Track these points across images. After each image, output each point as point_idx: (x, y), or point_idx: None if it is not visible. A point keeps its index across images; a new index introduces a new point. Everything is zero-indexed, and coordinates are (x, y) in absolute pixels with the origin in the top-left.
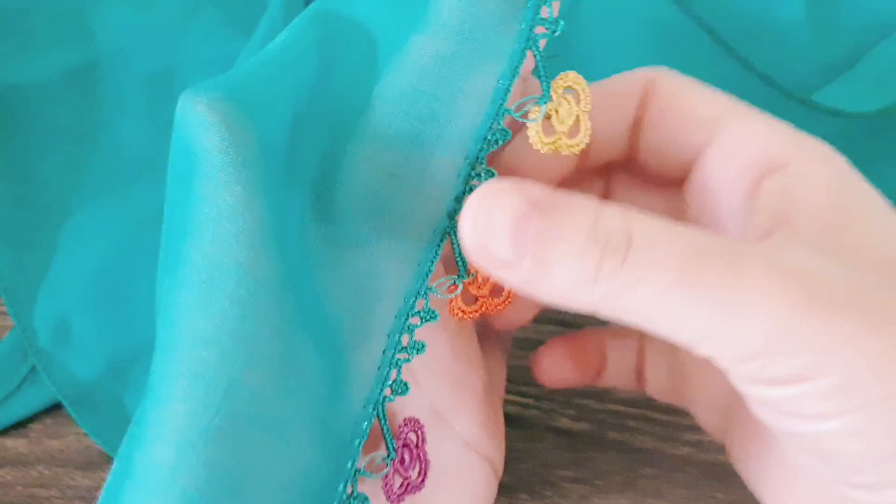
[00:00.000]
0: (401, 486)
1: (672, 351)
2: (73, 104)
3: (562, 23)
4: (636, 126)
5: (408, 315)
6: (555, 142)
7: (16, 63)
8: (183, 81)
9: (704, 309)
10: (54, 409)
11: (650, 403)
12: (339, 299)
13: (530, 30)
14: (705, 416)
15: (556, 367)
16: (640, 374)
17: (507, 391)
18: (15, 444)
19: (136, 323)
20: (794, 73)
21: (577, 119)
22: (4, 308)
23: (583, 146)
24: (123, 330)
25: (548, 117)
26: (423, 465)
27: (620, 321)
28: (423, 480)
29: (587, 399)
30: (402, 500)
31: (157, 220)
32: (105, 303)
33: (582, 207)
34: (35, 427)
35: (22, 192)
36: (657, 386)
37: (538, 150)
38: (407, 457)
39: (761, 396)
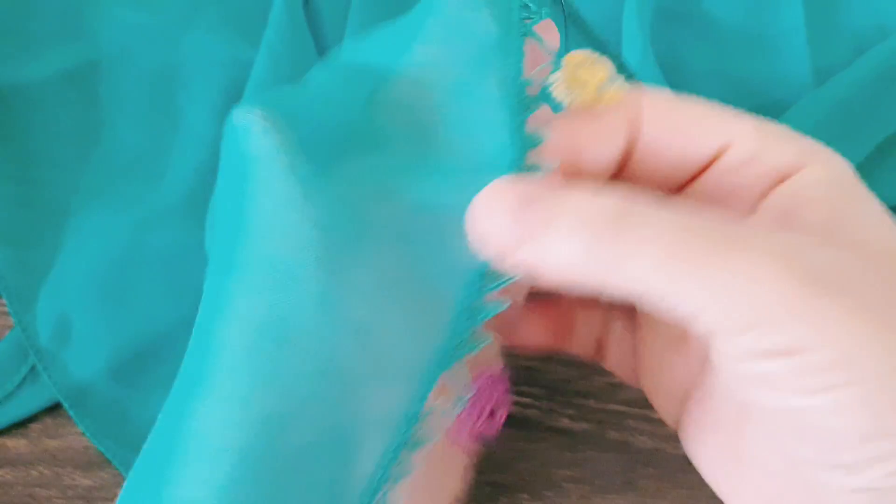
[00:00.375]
0: (472, 427)
1: (636, 330)
2: (73, 104)
3: (545, 10)
4: (627, 148)
5: (481, 286)
6: (585, 96)
7: (16, 63)
8: (183, 81)
9: (702, 280)
10: (54, 409)
11: (650, 403)
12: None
13: (520, 22)
14: (662, 401)
15: (531, 329)
16: (600, 346)
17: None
18: (15, 444)
19: (137, 322)
20: (792, 76)
21: (600, 81)
22: (5, 308)
23: (617, 100)
24: (124, 330)
25: (568, 83)
26: (496, 412)
27: (623, 297)
28: (496, 427)
29: (587, 399)
30: (474, 441)
31: (158, 220)
32: (106, 302)
33: (578, 191)
34: (35, 427)
35: (22, 191)
36: (616, 361)
37: (569, 105)
38: (479, 402)
39: (752, 371)
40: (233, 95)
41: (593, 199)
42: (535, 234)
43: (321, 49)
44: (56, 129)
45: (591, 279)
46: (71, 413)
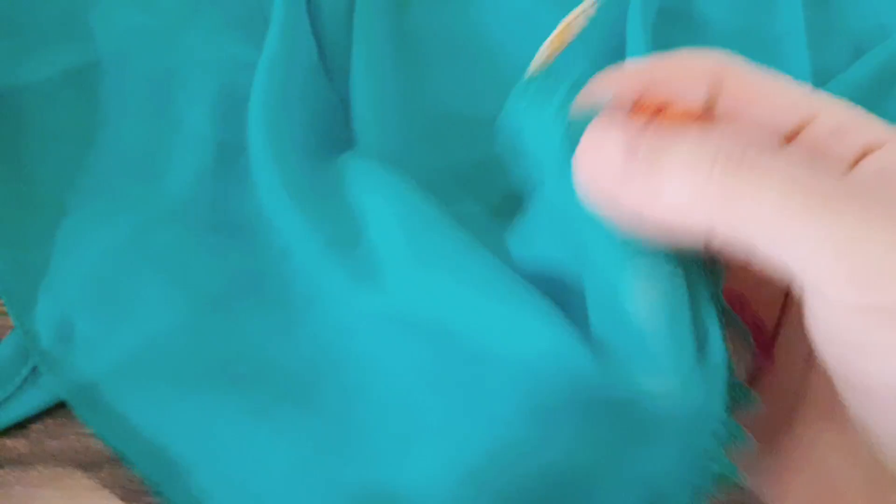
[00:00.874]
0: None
1: None
2: (73, 104)
3: None
4: (705, 112)
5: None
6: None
7: (16, 63)
8: (183, 81)
9: (823, 221)
10: (54, 409)
11: None
12: None
13: None
14: None
15: None
16: None
17: None
18: (15, 444)
19: (137, 324)
20: (791, 76)
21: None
22: (4, 308)
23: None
24: (124, 331)
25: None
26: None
27: (734, 242)
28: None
29: None
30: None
31: (157, 221)
32: (105, 304)
33: (688, 133)
34: (35, 427)
35: (21, 192)
36: None
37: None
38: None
39: (853, 325)
40: (233, 96)
41: (706, 138)
42: (648, 165)
43: (322, 49)
44: (55, 130)
45: (700, 220)
46: (78, 412)
